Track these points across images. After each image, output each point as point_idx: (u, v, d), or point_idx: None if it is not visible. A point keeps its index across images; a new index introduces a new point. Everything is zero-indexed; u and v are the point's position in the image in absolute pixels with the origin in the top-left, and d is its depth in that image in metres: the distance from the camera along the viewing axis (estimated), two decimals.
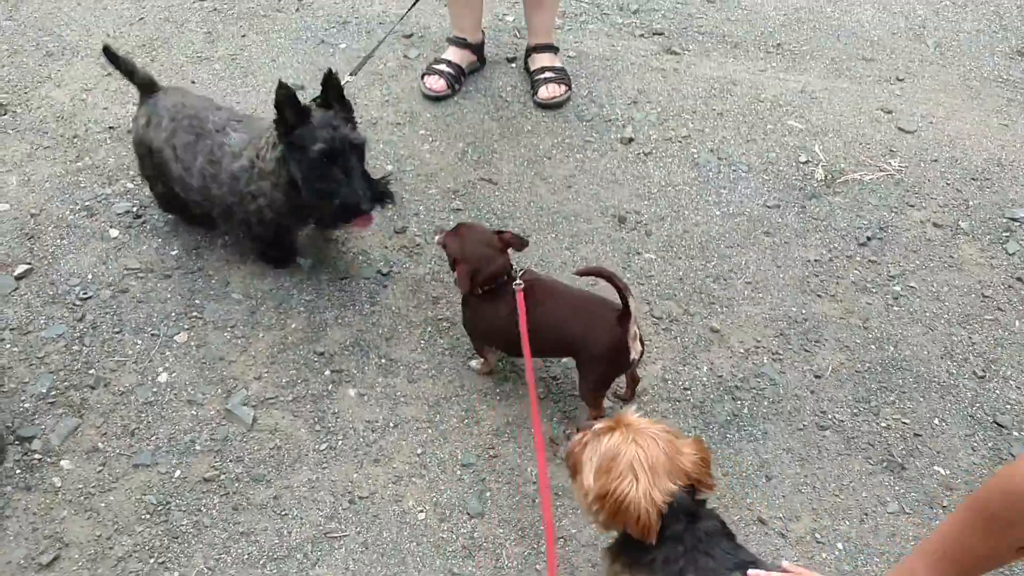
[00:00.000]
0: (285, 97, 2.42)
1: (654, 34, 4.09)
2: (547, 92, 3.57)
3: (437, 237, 2.53)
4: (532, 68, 3.66)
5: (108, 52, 2.78)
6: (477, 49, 3.68)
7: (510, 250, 2.48)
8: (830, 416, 2.58)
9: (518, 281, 2.39)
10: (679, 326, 2.79)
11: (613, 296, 2.28)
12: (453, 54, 3.63)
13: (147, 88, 2.81)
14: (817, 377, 2.68)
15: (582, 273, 2.34)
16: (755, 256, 3.04)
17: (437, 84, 3.56)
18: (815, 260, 3.03)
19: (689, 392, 2.61)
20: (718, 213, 3.19)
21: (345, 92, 2.54)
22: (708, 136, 3.52)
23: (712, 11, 4.26)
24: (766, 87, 3.79)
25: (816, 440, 2.52)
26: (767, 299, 2.90)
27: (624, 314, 2.25)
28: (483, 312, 2.46)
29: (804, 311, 2.86)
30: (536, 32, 3.66)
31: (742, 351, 2.74)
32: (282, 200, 2.62)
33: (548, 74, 3.60)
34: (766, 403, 2.60)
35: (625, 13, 4.21)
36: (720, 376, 2.66)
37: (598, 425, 1.82)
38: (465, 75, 3.66)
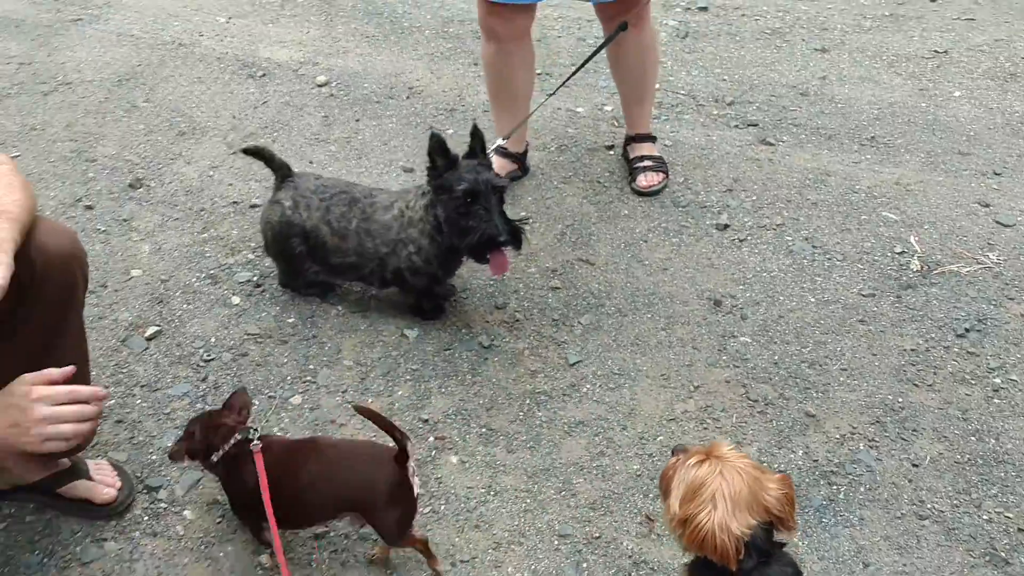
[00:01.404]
0: (437, 143, 2.79)
1: (749, 125, 4.21)
2: (645, 180, 3.70)
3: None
4: (631, 156, 3.80)
5: (248, 151, 3.09)
6: (518, 158, 3.78)
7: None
8: (929, 506, 2.57)
9: (255, 443, 2.16)
10: (774, 409, 2.83)
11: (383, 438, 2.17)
12: (496, 162, 3.63)
13: (285, 173, 3.06)
14: (915, 466, 2.68)
15: (357, 410, 2.17)
16: (850, 343, 3.07)
17: (497, 165, 3.67)
18: (911, 350, 3.05)
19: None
20: (813, 300, 3.24)
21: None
22: (802, 224, 3.59)
23: (806, 104, 4.37)
24: (860, 178, 3.86)
25: (915, 529, 2.51)
26: (863, 386, 2.92)
27: (400, 454, 2.10)
28: (232, 486, 2.27)
29: (901, 400, 2.87)
30: (635, 123, 3.81)
31: (838, 436, 2.76)
32: (428, 245, 2.91)
33: (647, 163, 3.74)
34: (863, 489, 2.61)
35: (720, 105, 4.35)
36: (815, 460, 2.68)
37: (694, 455, 1.87)
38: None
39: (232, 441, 2.21)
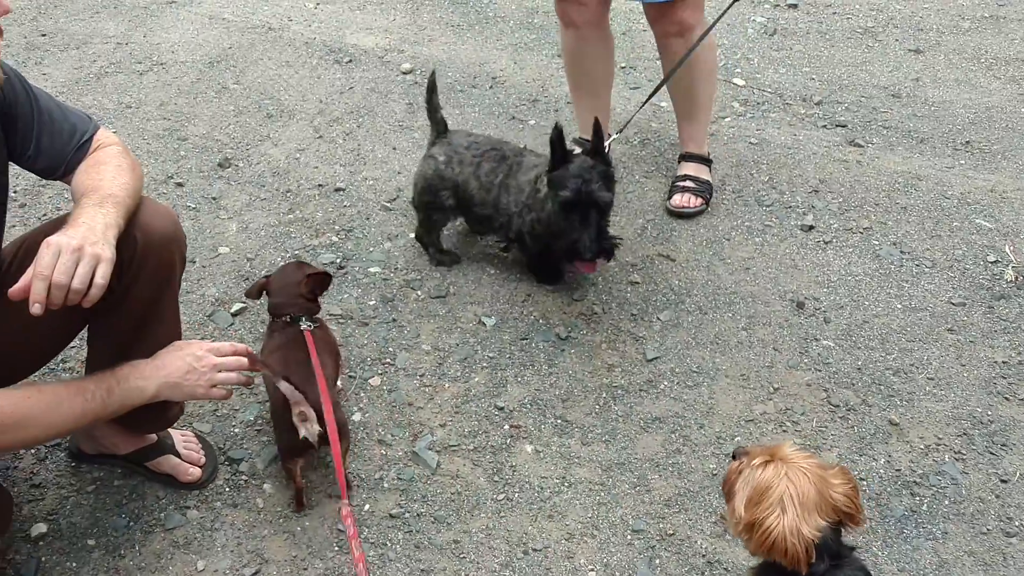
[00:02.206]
0: (557, 136, 2.83)
1: (837, 126, 4.12)
2: (679, 200, 3.53)
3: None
4: (677, 174, 3.63)
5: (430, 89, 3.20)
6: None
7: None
8: (1017, 523, 2.49)
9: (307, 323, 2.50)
10: (856, 416, 2.77)
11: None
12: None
13: (440, 130, 3.22)
14: (1004, 482, 2.59)
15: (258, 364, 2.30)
16: (938, 353, 2.99)
17: None
18: (1003, 362, 2.95)
19: (865, 483, 2.58)
20: (899, 306, 3.16)
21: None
22: (891, 229, 3.50)
23: (898, 106, 4.26)
24: (953, 184, 3.75)
25: (1001, 546, 2.43)
26: (950, 397, 2.84)
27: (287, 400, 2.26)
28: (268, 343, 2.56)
29: (990, 413, 2.79)
30: (684, 140, 3.66)
31: (922, 447, 2.68)
32: (546, 218, 2.97)
33: (688, 183, 3.56)
34: (947, 502, 2.53)
35: (808, 104, 4.27)
36: (898, 470, 2.62)
37: (757, 457, 1.84)
38: None
39: (289, 314, 2.52)
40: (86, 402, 1.95)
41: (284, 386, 2.24)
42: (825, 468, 1.82)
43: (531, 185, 3.03)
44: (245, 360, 2.18)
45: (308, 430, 2.25)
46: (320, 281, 2.61)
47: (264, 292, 2.63)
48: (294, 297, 2.56)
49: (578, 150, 3.14)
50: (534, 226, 3.04)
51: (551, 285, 3.20)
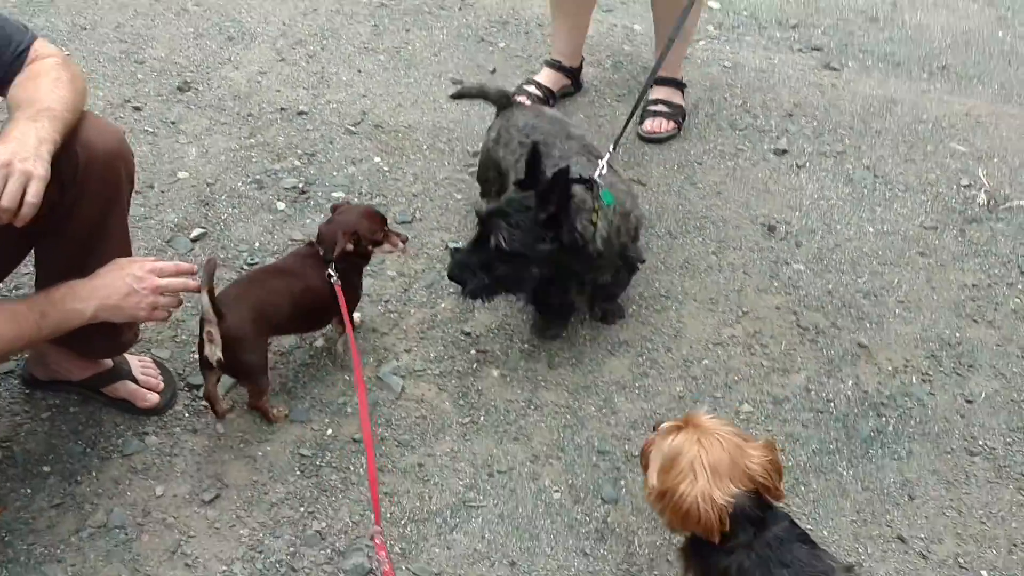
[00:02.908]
0: (531, 158, 2.34)
1: (813, 49, 4.05)
2: (651, 125, 3.45)
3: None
4: (649, 98, 3.51)
5: (458, 94, 3.04)
6: (572, 73, 3.60)
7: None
8: (981, 442, 2.49)
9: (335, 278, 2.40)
10: (825, 338, 2.76)
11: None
12: (545, 76, 3.54)
13: (503, 103, 2.90)
14: (969, 402, 2.59)
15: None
16: (909, 276, 2.97)
17: (527, 103, 3.48)
18: (973, 285, 2.94)
19: (832, 404, 2.57)
20: (871, 230, 3.13)
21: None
22: (865, 153, 3.45)
23: (875, 30, 4.18)
24: (928, 108, 3.70)
25: (964, 465, 2.44)
26: (919, 319, 2.82)
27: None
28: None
29: (958, 335, 2.78)
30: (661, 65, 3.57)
31: (890, 369, 2.68)
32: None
33: (660, 107, 3.47)
34: (913, 423, 2.54)
35: (784, 27, 4.18)
36: (866, 391, 2.61)
37: (666, 424, 1.82)
38: (555, 98, 3.55)
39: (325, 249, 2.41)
40: (19, 326, 1.88)
41: (204, 300, 2.14)
42: (743, 437, 1.78)
43: None
44: (191, 281, 2.10)
45: (209, 351, 2.19)
46: (368, 237, 2.46)
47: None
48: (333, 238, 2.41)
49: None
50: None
51: (547, 335, 2.74)
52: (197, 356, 2.33)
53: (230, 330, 2.19)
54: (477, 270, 2.42)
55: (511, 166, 2.69)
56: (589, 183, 2.45)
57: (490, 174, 2.87)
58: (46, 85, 1.95)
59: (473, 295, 2.48)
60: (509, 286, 2.50)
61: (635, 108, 2.91)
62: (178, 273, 2.07)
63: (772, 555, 1.70)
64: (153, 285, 2.01)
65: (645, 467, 1.87)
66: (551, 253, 2.39)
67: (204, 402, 2.43)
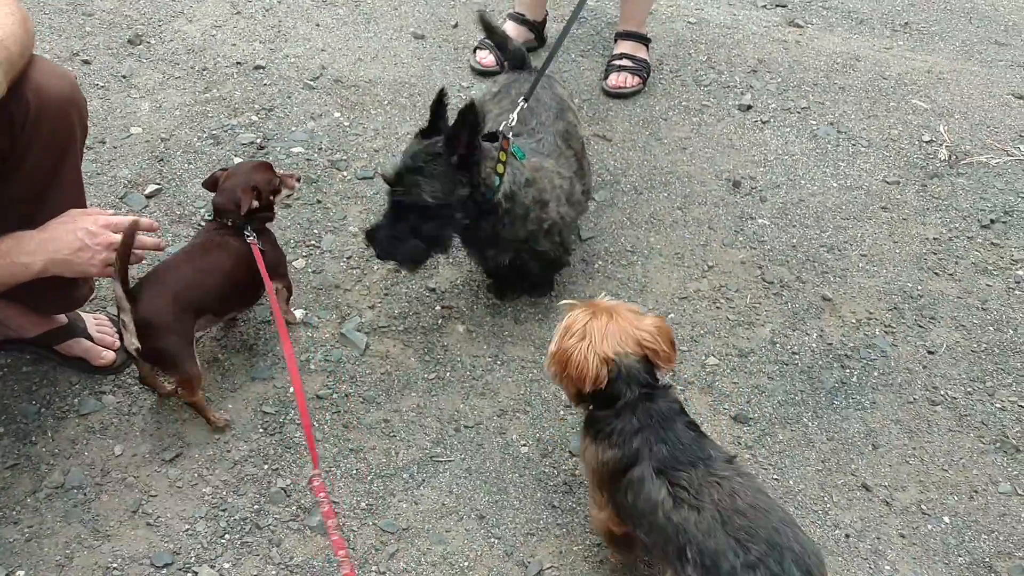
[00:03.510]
0: (437, 101, 2.25)
1: (777, 6, 4.03)
2: (616, 80, 3.42)
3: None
4: (613, 53, 3.50)
5: (485, 20, 2.82)
6: (536, 27, 3.55)
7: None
8: (942, 392, 2.52)
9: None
10: (790, 292, 2.76)
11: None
12: (509, 29, 3.48)
13: (517, 63, 2.78)
14: (931, 353, 2.62)
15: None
16: (871, 230, 2.98)
17: (486, 59, 3.45)
18: (934, 238, 2.96)
19: (797, 356, 2.58)
20: (835, 185, 3.13)
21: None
22: (828, 109, 3.45)
23: None
24: (891, 65, 3.70)
25: (926, 414, 2.46)
26: (882, 273, 2.84)
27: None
28: None
29: (920, 287, 2.80)
30: (626, 19, 3.51)
31: (853, 321, 2.69)
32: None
33: (625, 62, 3.44)
34: (876, 374, 2.56)
35: None
36: (830, 344, 2.62)
37: (566, 302, 1.97)
38: None
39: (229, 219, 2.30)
40: None
41: (117, 289, 2.02)
42: (636, 311, 1.89)
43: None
44: (148, 239, 2.03)
45: (127, 340, 2.08)
46: (266, 188, 2.32)
47: (214, 187, 2.35)
48: (234, 201, 2.27)
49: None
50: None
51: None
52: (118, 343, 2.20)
53: (144, 317, 2.06)
54: (406, 237, 2.29)
55: (493, 120, 2.56)
56: (494, 137, 2.36)
57: (480, 127, 2.73)
58: None
59: (413, 264, 2.38)
60: (440, 243, 2.36)
61: (571, 19, 2.75)
62: (136, 228, 2.00)
63: (653, 429, 1.82)
64: (107, 241, 1.95)
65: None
66: (469, 199, 2.27)
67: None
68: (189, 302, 2.16)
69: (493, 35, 2.86)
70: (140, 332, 2.05)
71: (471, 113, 2.17)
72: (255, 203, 2.28)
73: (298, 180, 2.45)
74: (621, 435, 1.83)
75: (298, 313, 2.54)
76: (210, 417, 2.25)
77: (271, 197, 2.35)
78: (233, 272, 2.25)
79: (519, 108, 2.45)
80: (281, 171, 2.41)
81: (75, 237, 1.92)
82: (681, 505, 1.72)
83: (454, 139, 2.21)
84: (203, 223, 2.77)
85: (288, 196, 2.48)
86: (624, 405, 1.84)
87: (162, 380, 2.27)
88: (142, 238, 2.03)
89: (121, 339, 2.14)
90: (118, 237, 1.95)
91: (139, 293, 2.08)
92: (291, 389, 2.38)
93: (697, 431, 1.85)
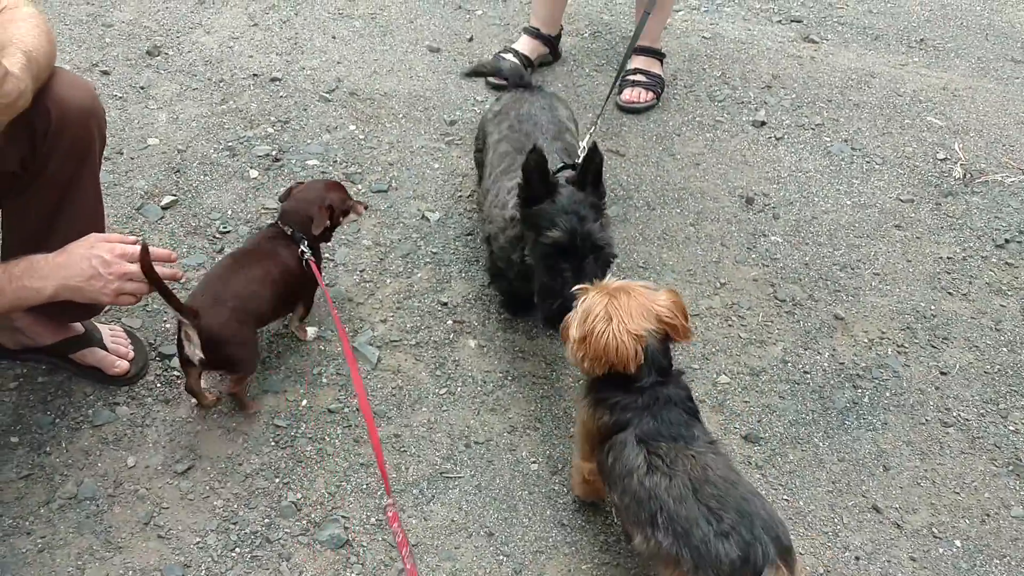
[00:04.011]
0: (536, 163, 2.16)
1: (792, 21, 4.03)
2: (630, 95, 3.43)
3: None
4: (627, 67, 3.49)
5: (472, 69, 3.03)
6: (550, 41, 3.56)
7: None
8: (955, 414, 2.51)
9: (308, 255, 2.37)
10: (803, 310, 2.76)
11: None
12: (523, 44, 3.51)
13: (517, 81, 2.80)
14: (943, 374, 2.61)
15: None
16: (885, 248, 2.97)
17: None
18: (948, 258, 2.95)
19: (809, 376, 2.58)
20: (848, 203, 3.13)
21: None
22: (843, 126, 3.45)
23: (853, 2, 4.17)
24: (906, 81, 3.69)
25: (939, 436, 2.45)
26: (895, 292, 2.83)
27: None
28: None
29: (933, 307, 2.79)
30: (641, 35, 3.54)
31: (866, 341, 2.68)
32: (516, 261, 2.37)
33: (639, 77, 3.45)
34: (888, 394, 2.55)
35: None
36: (842, 363, 2.62)
37: (577, 288, 1.98)
38: (533, 66, 3.52)
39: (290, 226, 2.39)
40: None
41: (172, 309, 2.08)
42: (648, 287, 1.93)
43: (506, 204, 2.41)
44: (166, 268, 2.02)
45: (190, 351, 2.14)
46: (339, 208, 2.43)
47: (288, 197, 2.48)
48: (307, 214, 2.37)
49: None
50: (503, 252, 2.45)
51: (517, 317, 2.65)
52: (177, 353, 2.23)
53: (211, 330, 2.12)
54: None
55: (493, 145, 2.62)
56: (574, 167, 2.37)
57: (478, 144, 2.79)
58: (24, 28, 1.89)
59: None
60: None
61: (616, 80, 2.87)
62: (154, 260, 1.99)
63: (653, 407, 1.88)
64: (120, 272, 1.93)
65: (565, 336, 1.98)
66: None
67: (176, 373, 2.39)
68: (250, 311, 2.25)
69: (483, 69, 2.94)
70: (205, 344, 2.12)
71: (597, 154, 2.20)
72: (328, 221, 2.37)
73: (365, 208, 2.55)
74: (620, 407, 1.91)
75: (310, 331, 2.55)
76: (246, 404, 2.34)
77: (340, 218, 2.44)
78: (280, 282, 2.32)
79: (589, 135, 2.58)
80: (354, 198, 2.52)
81: (89, 265, 1.90)
82: (655, 472, 1.79)
83: (596, 181, 2.23)
84: (218, 235, 2.80)
85: (352, 221, 2.58)
86: (638, 386, 1.89)
87: (206, 392, 2.31)
88: (160, 269, 2.01)
89: (180, 348, 2.18)
90: (133, 268, 1.94)
91: (202, 306, 2.14)
92: (304, 403, 2.40)
93: (692, 415, 1.91)
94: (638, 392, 1.89)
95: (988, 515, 2.28)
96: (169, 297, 2.05)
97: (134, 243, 1.98)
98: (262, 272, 2.30)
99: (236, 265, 2.32)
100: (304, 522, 2.15)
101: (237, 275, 2.28)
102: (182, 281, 2.40)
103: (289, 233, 2.37)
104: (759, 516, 1.69)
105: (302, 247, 2.35)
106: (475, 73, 2.90)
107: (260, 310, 2.28)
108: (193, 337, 2.12)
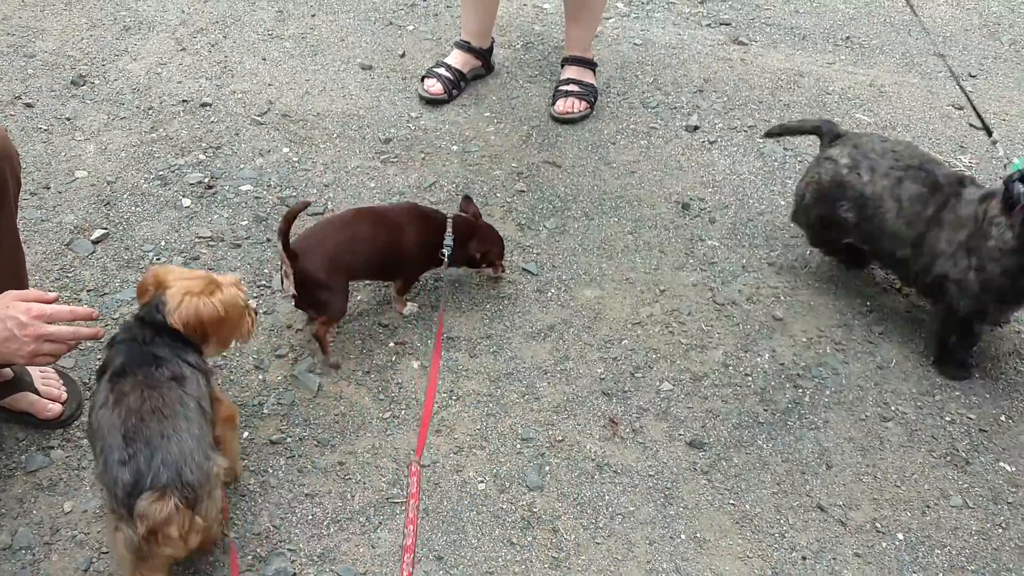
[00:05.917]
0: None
1: (721, 24, 4.08)
2: (563, 106, 3.44)
3: None
4: (560, 78, 3.53)
5: (773, 132, 3.06)
6: (482, 55, 3.57)
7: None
8: (893, 408, 2.56)
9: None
10: (741, 313, 2.79)
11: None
12: (455, 58, 3.52)
13: (833, 131, 2.83)
14: (881, 369, 2.66)
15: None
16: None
17: (434, 88, 3.47)
18: None
19: (750, 378, 2.60)
20: (783, 203, 3.17)
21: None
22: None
23: (780, 3, 4.23)
24: (834, 80, 3.76)
25: (878, 431, 2.50)
26: (831, 290, 2.88)
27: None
28: None
29: (869, 303, 2.84)
30: (571, 44, 3.54)
31: (804, 340, 2.72)
32: (993, 269, 2.42)
33: (572, 87, 3.47)
34: (828, 392, 2.58)
35: (692, 3, 4.20)
36: (782, 364, 2.65)
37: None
38: (466, 80, 3.55)
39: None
40: None
41: (279, 247, 2.35)
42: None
43: (976, 221, 2.44)
44: (83, 329, 1.92)
45: (284, 287, 2.42)
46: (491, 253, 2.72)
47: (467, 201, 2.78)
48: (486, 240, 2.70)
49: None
50: (969, 275, 2.47)
51: (955, 378, 2.64)
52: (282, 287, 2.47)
53: (304, 272, 2.39)
54: None
55: (885, 193, 2.58)
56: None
57: (842, 206, 2.67)
58: None
59: None
60: None
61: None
62: (73, 318, 1.91)
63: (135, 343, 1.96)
64: (36, 333, 1.84)
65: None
66: None
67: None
68: (344, 264, 2.48)
69: (788, 130, 3.08)
70: (299, 284, 2.39)
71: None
72: (478, 256, 2.66)
73: (503, 271, 2.79)
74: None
75: (409, 306, 2.73)
76: (327, 347, 2.52)
77: (483, 259, 2.70)
78: (382, 251, 2.54)
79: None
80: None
81: (3, 327, 1.82)
82: (107, 405, 1.86)
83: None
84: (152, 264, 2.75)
85: (492, 273, 2.79)
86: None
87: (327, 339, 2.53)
88: (79, 329, 1.92)
89: (282, 282, 2.44)
90: (52, 329, 1.86)
91: (300, 250, 2.40)
92: (244, 434, 2.36)
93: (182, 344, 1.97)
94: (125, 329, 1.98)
95: (928, 506, 2.33)
96: (286, 241, 2.33)
97: (52, 300, 1.91)
98: (371, 235, 2.52)
99: (353, 220, 2.55)
100: (250, 557, 2.12)
101: (345, 229, 2.51)
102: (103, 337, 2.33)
103: (441, 226, 2.61)
104: (169, 452, 1.80)
105: (445, 248, 2.60)
106: (777, 134, 3.07)
107: (353, 265, 2.51)
108: (290, 275, 2.38)
